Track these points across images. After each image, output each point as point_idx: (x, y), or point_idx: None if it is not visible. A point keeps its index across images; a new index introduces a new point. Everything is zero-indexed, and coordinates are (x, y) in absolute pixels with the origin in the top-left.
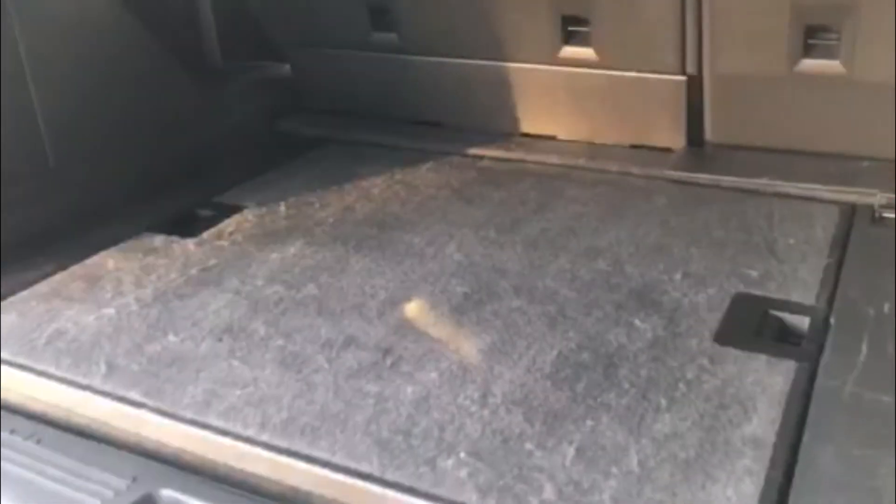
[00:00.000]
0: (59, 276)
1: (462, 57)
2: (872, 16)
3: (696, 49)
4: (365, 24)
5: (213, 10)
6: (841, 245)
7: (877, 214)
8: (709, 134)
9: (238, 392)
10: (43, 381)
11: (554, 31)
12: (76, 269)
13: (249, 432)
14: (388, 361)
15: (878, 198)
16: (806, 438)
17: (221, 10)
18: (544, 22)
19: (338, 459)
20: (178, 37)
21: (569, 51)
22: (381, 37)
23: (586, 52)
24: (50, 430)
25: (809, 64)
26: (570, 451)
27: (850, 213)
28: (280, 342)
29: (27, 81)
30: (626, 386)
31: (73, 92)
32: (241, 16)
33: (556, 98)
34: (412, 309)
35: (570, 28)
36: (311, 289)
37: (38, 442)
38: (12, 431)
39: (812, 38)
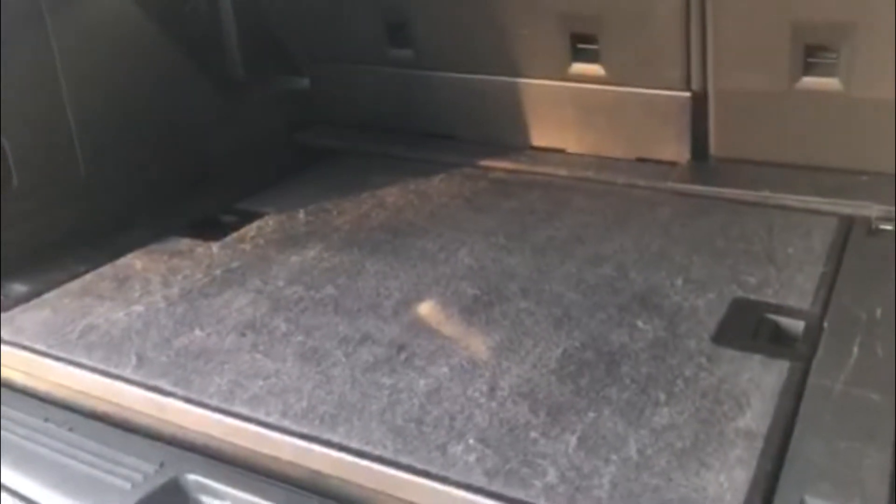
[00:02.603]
0: (89, 276)
1: (475, 72)
2: (869, 36)
3: (700, 67)
4: (382, 41)
5: (237, 25)
6: (837, 254)
7: (873, 226)
8: (713, 148)
9: (261, 383)
10: (77, 371)
11: (564, 48)
12: (106, 269)
13: (272, 419)
14: (402, 357)
15: (874, 210)
16: (796, 432)
17: (244, 26)
18: (554, 39)
19: (354, 444)
20: (203, 50)
21: (578, 67)
22: (397, 52)
23: (594, 69)
24: (82, 419)
25: (809, 81)
26: (573, 440)
27: (848, 225)
28: (300, 338)
29: (62, 94)
30: (627, 382)
31: (103, 103)
32: (263, 31)
33: (566, 112)
34: (425, 309)
35: (579, 46)
36: (329, 289)
37: (71, 430)
38: (46, 419)
39: (812, 57)
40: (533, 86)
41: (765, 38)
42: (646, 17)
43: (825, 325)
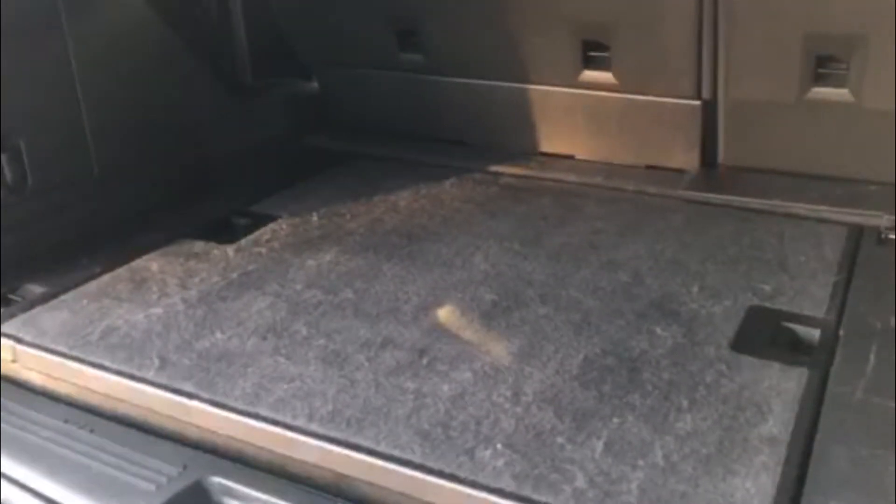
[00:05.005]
0: (106, 277)
1: (486, 78)
2: (880, 47)
3: (711, 75)
4: (392, 46)
5: (246, 29)
6: (849, 263)
7: (882, 235)
8: (722, 156)
9: (285, 386)
10: (99, 373)
11: (575, 55)
12: (122, 271)
13: (298, 422)
14: (425, 361)
15: (884, 220)
16: (818, 439)
17: (254, 30)
18: (566, 46)
19: (383, 448)
20: (213, 54)
21: (589, 75)
22: (407, 58)
23: (606, 77)
24: (102, 421)
25: (819, 92)
26: (599, 446)
27: (858, 234)
28: (321, 341)
29: (77, 95)
30: (650, 388)
31: (117, 105)
32: (273, 35)
33: (576, 119)
34: (444, 314)
35: (590, 53)
36: (347, 293)
37: (92, 431)
38: (66, 421)
39: (822, 68)
40: (543, 92)
41: (776, 48)
42: (658, 26)
43: (841, 333)
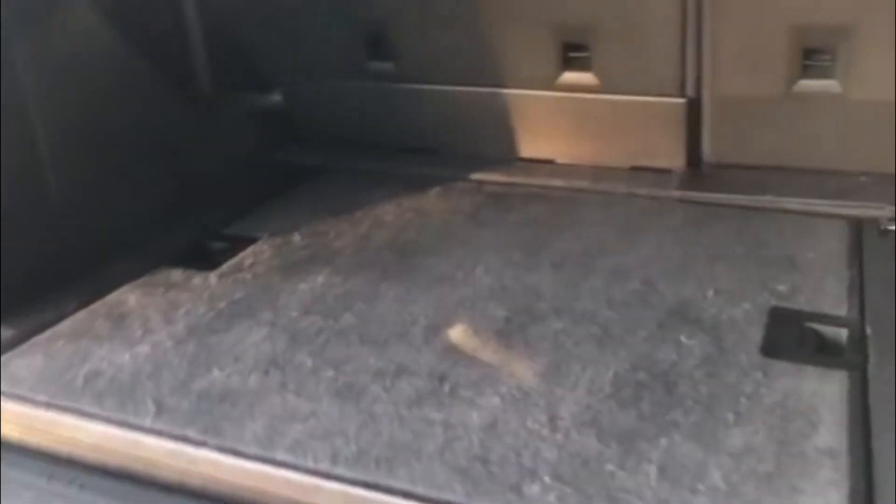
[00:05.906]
0: (80, 315)
1: (461, 84)
2: (867, 38)
3: (695, 72)
4: (360, 54)
5: (204, 39)
6: (858, 257)
7: (883, 227)
8: (707, 154)
9: (300, 426)
10: (89, 424)
11: (554, 57)
12: (97, 306)
13: (322, 466)
14: (446, 388)
15: (884, 211)
16: (875, 446)
17: (212, 40)
18: (544, 48)
19: (420, 490)
20: (173, 68)
21: (569, 76)
22: (377, 66)
23: (586, 78)
24: (90, 476)
25: (807, 84)
26: (653, 470)
27: (859, 227)
28: (330, 373)
29: (30, 116)
30: (690, 403)
31: (74, 125)
32: (233, 46)
33: (557, 123)
34: (456, 334)
35: (570, 54)
36: (348, 318)
37: (82, 487)
38: (50, 478)
39: (809, 60)
40: (522, 96)
41: (762, 42)
42: (640, 23)
43: (868, 331)
